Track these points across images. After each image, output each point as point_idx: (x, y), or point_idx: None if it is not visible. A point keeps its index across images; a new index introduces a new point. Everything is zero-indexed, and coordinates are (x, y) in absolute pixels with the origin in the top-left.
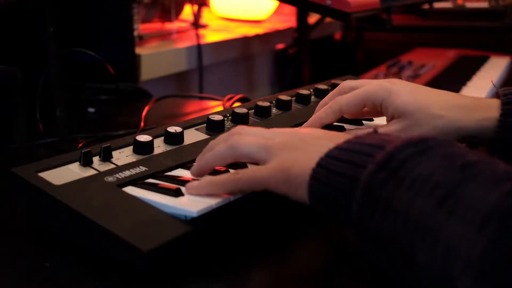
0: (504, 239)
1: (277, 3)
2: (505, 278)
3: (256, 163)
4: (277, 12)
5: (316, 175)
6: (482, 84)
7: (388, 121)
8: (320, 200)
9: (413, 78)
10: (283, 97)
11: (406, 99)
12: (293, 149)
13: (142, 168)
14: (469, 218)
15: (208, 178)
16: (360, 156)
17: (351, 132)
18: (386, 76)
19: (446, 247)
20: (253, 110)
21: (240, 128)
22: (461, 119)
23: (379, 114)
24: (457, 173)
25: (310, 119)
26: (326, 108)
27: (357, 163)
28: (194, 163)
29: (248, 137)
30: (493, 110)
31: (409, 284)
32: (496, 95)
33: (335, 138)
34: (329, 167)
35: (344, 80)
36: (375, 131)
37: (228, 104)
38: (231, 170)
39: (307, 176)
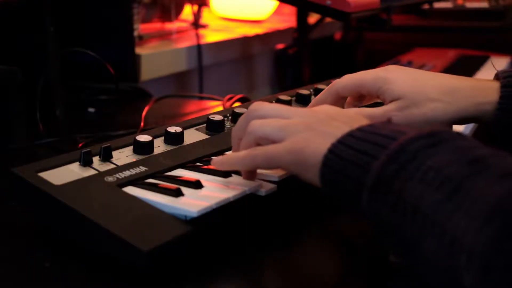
0: (507, 233)
1: (277, 3)
2: (508, 272)
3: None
4: (277, 12)
5: (328, 162)
6: None
7: None
8: (331, 186)
9: None
10: (283, 97)
11: (402, 85)
12: (307, 129)
13: (142, 168)
14: (475, 212)
15: (230, 154)
16: (373, 146)
17: (363, 111)
18: None
19: (452, 239)
20: None
21: (258, 105)
22: (459, 102)
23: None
24: (466, 167)
25: (311, 102)
26: (324, 91)
27: (370, 153)
28: (195, 164)
29: (264, 121)
30: (492, 92)
31: (416, 272)
32: (495, 77)
33: (351, 121)
34: (341, 154)
35: None
36: (389, 120)
37: (228, 104)
38: None
39: (319, 160)
